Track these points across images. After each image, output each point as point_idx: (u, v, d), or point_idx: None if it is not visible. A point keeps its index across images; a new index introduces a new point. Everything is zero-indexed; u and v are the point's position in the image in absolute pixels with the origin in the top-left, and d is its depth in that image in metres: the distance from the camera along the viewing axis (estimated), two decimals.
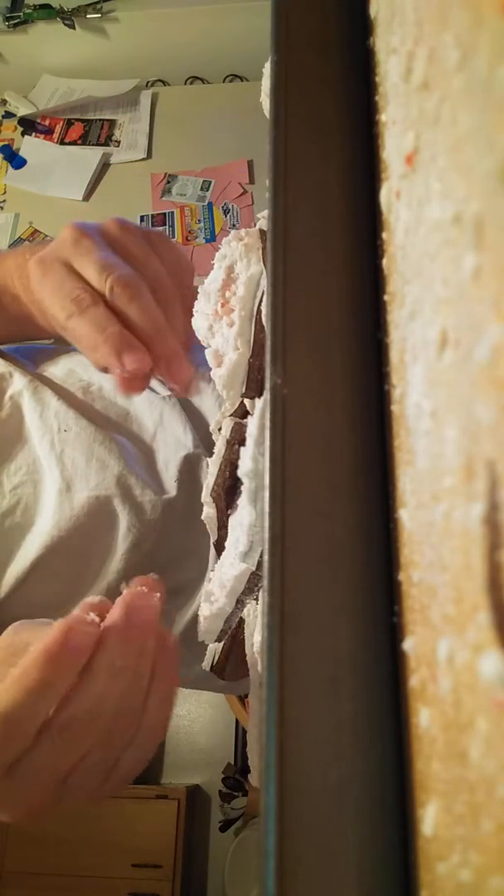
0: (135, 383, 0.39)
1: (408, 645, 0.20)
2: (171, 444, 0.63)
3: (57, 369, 0.64)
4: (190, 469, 0.62)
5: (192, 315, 0.42)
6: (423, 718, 0.18)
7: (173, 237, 1.38)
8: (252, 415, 0.43)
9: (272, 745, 0.21)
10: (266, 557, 0.24)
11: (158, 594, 0.35)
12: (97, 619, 0.33)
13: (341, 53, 0.31)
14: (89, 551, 0.59)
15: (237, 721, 1.88)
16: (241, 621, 0.47)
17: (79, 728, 0.31)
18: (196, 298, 0.42)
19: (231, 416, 0.49)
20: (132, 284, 0.38)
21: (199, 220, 1.40)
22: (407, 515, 0.21)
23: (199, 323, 0.50)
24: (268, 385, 0.27)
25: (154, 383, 0.65)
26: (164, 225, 1.39)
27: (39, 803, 0.31)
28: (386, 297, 0.25)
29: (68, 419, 0.58)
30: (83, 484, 0.57)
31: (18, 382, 0.60)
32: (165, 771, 1.96)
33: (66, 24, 1.49)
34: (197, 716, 2.03)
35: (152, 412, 0.65)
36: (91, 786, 0.33)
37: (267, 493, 0.25)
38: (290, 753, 0.21)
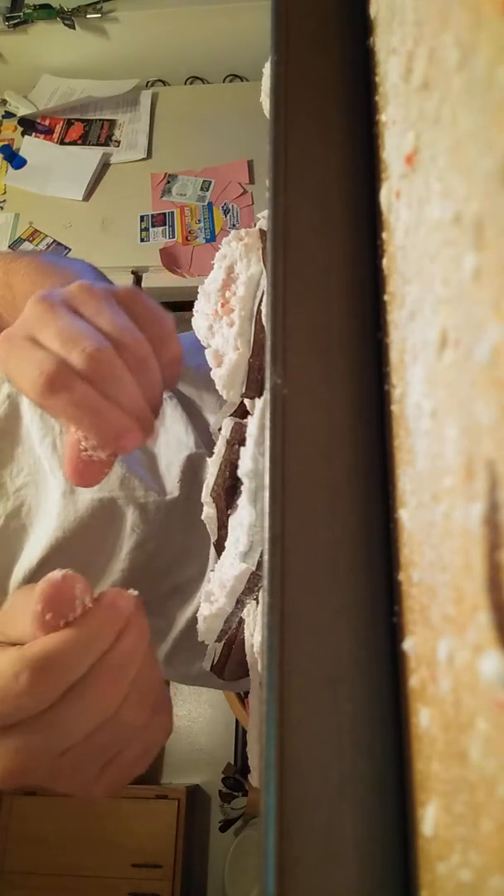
0: (93, 470, 0.36)
1: (408, 645, 0.20)
2: (174, 445, 0.63)
3: None
4: (192, 469, 0.62)
5: (169, 369, 0.40)
6: (423, 718, 0.18)
7: (173, 237, 1.38)
8: (252, 415, 0.43)
9: (272, 745, 0.21)
10: (266, 557, 0.24)
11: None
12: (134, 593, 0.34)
13: (341, 53, 0.31)
14: (93, 552, 0.59)
15: (237, 721, 1.88)
16: (241, 621, 0.47)
17: (103, 686, 0.30)
18: (172, 347, 0.40)
19: (231, 416, 0.49)
20: (101, 353, 0.34)
21: (198, 220, 1.40)
22: (407, 515, 0.21)
23: (199, 323, 0.50)
24: (268, 385, 0.27)
25: None
26: (164, 224, 1.39)
27: (31, 767, 0.30)
28: (386, 297, 0.25)
29: None
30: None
31: None
32: (165, 771, 1.96)
33: (66, 24, 1.49)
34: (197, 716, 2.03)
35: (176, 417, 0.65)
36: (87, 771, 0.32)
37: (267, 493, 0.25)
38: (290, 753, 0.21)
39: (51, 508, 0.57)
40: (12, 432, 0.59)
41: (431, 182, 0.17)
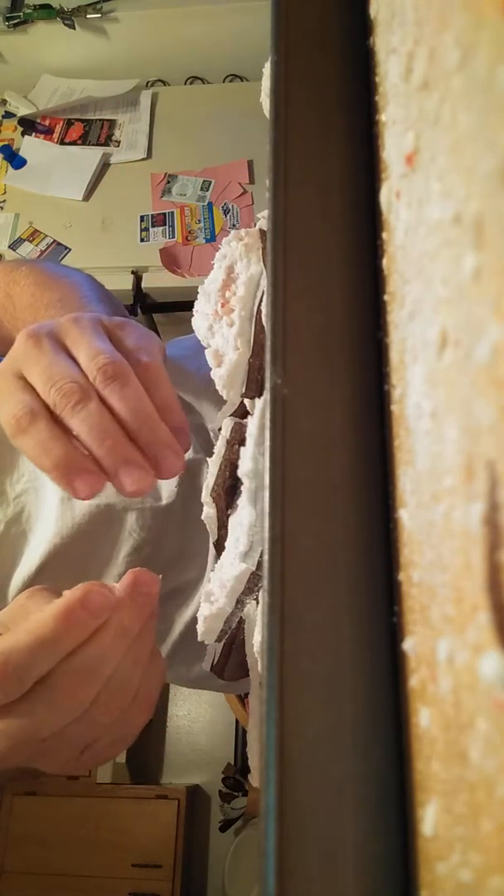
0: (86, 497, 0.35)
1: (408, 645, 0.20)
2: None
3: None
4: (191, 474, 0.62)
5: (161, 385, 0.39)
6: (423, 718, 0.18)
7: (173, 237, 1.38)
8: (252, 415, 0.43)
9: (272, 745, 0.21)
10: (266, 557, 0.24)
11: (160, 577, 0.35)
12: (113, 589, 0.34)
13: (341, 53, 0.31)
14: (91, 557, 0.59)
15: (237, 721, 1.88)
16: (241, 621, 0.47)
17: (72, 686, 0.31)
18: (174, 396, 0.39)
19: (231, 416, 0.49)
20: (74, 392, 0.34)
21: (198, 220, 1.40)
22: (407, 515, 0.21)
23: (199, 323, 0.50)
24: (268, 385, 0.27)
25: None
26: (164, 224, 1.39)
27: (10, 756, 0.31)
28: (386, 297, 0.25)
29: None
30: None
31: None
32: (165, 771, 1.96)
33: (66, 24, 1.49)
34: (197, 716, 2.03)
35: None
36: (66, 755, 0.33)
37: (267, 493, 0.25)
38: (290, 753, 0.21)
39: (49, 514, 0.57)
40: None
41: (431, 182, 0.17)
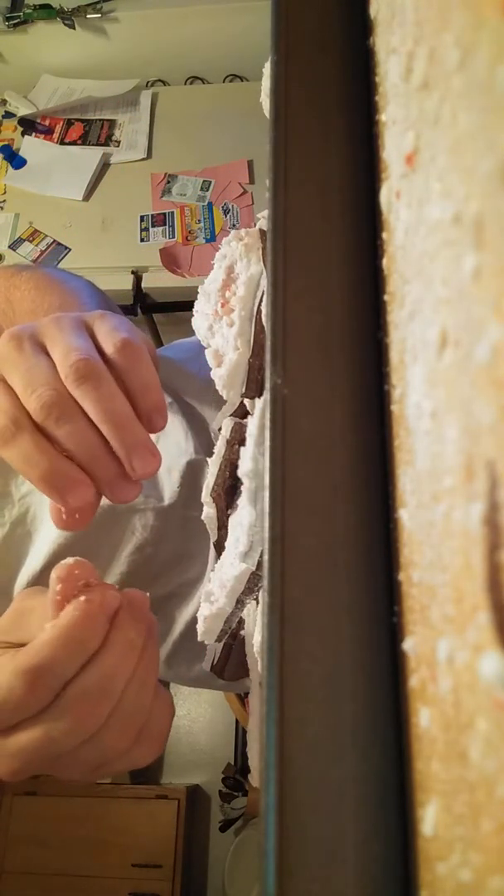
0: (79, 518, 0.35)
1: (408, 645, 0.20)
2: (173, 451, 0.63)
3: None
4: (192, 475, 0.62)
5: (141, 365, 0.38)
6: (423, 718, 0.18)
7: (173, 237, 1.38)
8: (252, 415, 0.43)
9: (272, 745, 0.21)
10: (266, 557, 0.24)
11: (147, 595, 0.35)
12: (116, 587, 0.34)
13: (341, 53, 0.31)
14: (94, 557, 0.59)
15: (237, 721, 1.88)
16: (241, 621, 0.47)
17: (85, 704, 0.31)
18: (154, 373, 0.38)
19: (231, 416, 0.49)
20: (56, 404, 0.33)
21: (199, 220, 1.40)
22: (407, 515, 0.21)
23: (199, 323, 0.50)
24: (268, 385, 0.27)
25: None
26: (164, 224, 1.39)
27: (24, 771, 0.31)
28: (386, 297, 0.25)
29: None
30: None
31: None
32: (165, 771, 1.96)
33: (66, 24, 1.49)
34: (197, 716, 2.03)
35: None
36: (82, 770, 0.33)
37: (267, 493, 0.25)
38: (290, 753, 0.21)
39: None
40: None
41: (431, 182, 0.17)
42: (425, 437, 0.18)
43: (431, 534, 0.17)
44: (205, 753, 1.98)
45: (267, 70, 0.51)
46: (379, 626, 0.22)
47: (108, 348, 0.36)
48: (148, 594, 0.36)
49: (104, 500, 0.58)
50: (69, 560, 0.33)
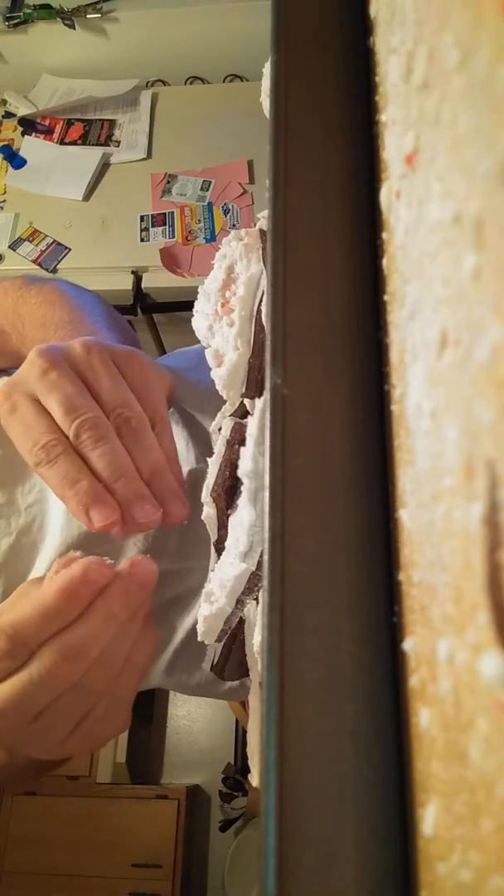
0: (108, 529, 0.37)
1: (408, 645, 0.20)
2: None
3: None
4: (193, 484, 0.63)
5: (165, 437, 0.41)
6: (423, 718, 0.18)
7: (173, 237, 1.37)
8: (252, 415, 0.43)
9: (272, 745, 0.21)
10: (266, 557, 0.24)
11: (156, 567, 0.37)
12: (112, 563, 0.35)
13: (341, 53, 0.31)
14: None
15: (237, 721, 1.88)
16: (241, 621, 0.47)
17: (61, 665, 0.33)
18: (168, 427, 0.41)
19: (231, 416, 0.49)
20: (97, 427, 0.36)
21: (199, 220, 1.40)
22: (407, 515, 0.21)
23: (199, 323, 0.50)
24: (268, 385, 0.27)
25: None
26: (164, 224, 1.39)
27: (5, 734, 0.33)
28: (386, 297, 0.25)
29: None
30: None
31: None
32: (165, 771, 1.96)
33: (66, 24, 1.49)
34: (197, 716, 2.03)
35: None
36: (58, 733, 0.35)
37: (267, 493, 0.25)
38: (290, 753, 0.21)
39: (56, 525, 0.58)
40: None
41: (431, 182, 0.17)
42: (425, 437, 0.18)
43: (431, 534, 0.17)
44: (205, 753, 1.98)
45: (267, 70, 0.51)
46: (379, 626, 0.22)
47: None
48: (156, 567, 0.37)
49: None
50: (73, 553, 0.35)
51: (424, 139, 0.19)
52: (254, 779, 0.41)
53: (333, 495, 0.24)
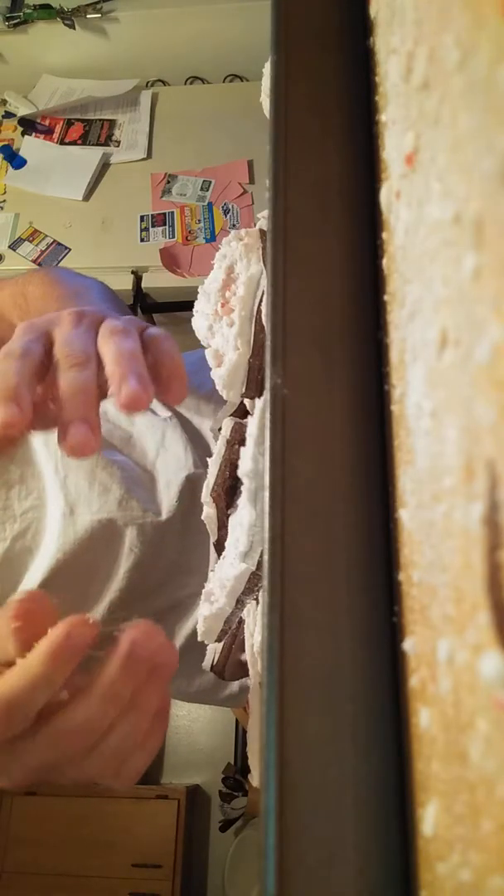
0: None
1: (408, 645, 0.20)
2: (173, 465, 0.64)
3: None
4: (191, 489, 0.63)
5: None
6: (423, 718, 0.18)
7: (173, 237, 1.37)
8: (252, 415, 0.43)
9: (272, 745, 0.21)
10: (266, 557, 0.24)
11: (162, 638, 0.35)
12: (95, 619, 0.34)
13: (341, 53, 0.31)
14: (92, 571, 0.61)
15: (237, 721, 1.88)
16: (241, 621, 0.47)
17: (69, 737, 0.32)
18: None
19: (231, 416, 0.49)
20: (79, 358, 0.35)
21: (199, 220, 1.40)
22: (407, 515, 0.21)
23: (199, 323, 0.50)
24: (268, 385, 0.27)
25: (155, 405, 0.67)
26: (164, 224, 1.39)
27: (22, 779, 0.33)
28: (386, 297, 0.25)
29: None
30: (86, 508, 0.59)
31: None
32: (165, 771, 1.96)
33: (66, 24, 1.49)
34: (197, 716, 2.03)
35: (154, 434, 0.67)
36: (72, 776, 0.34)
37: (267, 494, 0.25)
38: (290, 754, 0.21)
39: (53, 530, 0.58)
40: (22, 457, 0.60)
41: (431, 182, 0.17)
42: (425, 437, 0.18)
43: (431, 534, 0.17)
44: (205, 753, 1.98)
45: (267, 70, 0.51)
46: (379, 626, 0.22)
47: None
48: (158, 627, 0.36)
49: (102, 515, 0.59)
50: (24, 594, 0.34)
51: (424, 139, 0.19)
52: (254, 779, 0.41)
53: (333, 495, 0.24)
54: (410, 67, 0.20)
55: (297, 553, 0.23)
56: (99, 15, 1.48)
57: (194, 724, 2.02)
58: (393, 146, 0.23)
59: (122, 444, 0.66)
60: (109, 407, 0.65)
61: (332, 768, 0.21)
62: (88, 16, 1.48)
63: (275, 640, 0.22)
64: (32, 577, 0.57)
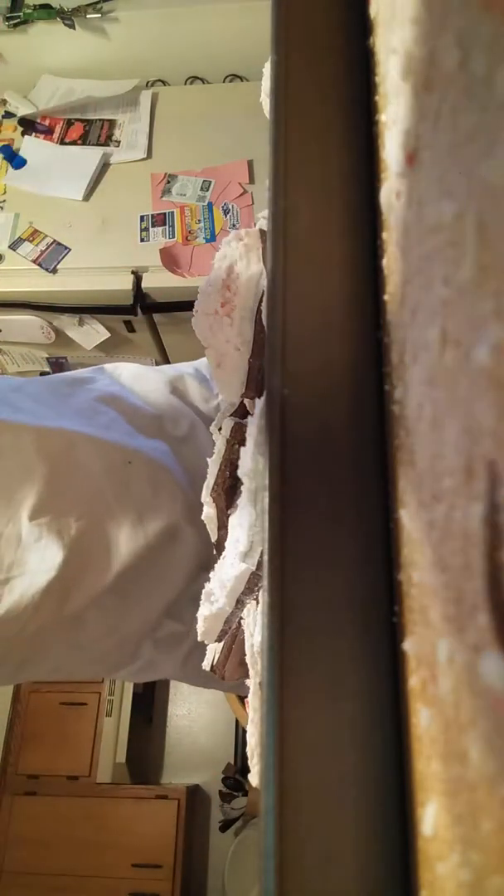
0: None
1: (408, 645, 0.20)
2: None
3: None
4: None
5: None
6: (423, 718, 0.18)
7: (173, 237, 1.37)
8: (252, 415, 0.43)
9: (272, 745, 0.21)
10: (266, 557, 0.24)
11: None
12: None
13: (341, 53, 0.31)
14: (159, 571, 0.64)
15: (237, 721, 1.88)
16: (241, 621, 0.47)
17: None
18: None
19: (231, 416, 0.49)
20: None
21: (199, 220, 1.40)
22: (407, 516, 0.21)
23: (200, 322, 0.50)
24: (267, 385, 0.27)
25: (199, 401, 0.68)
26: (164, 224, 1.39)
27: None
28: (386, 297, 0.25)
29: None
30: (153, 514, 0.64)
31: None
32: (165, 771, 1.96)
33: (66, 24, 1.48)
34: (197, 716, 2.03)
35: (207, 436, 0.69)
36: None
37: (267, 494, 0.25)
38: (290, 753, 0.21)
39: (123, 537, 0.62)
40: None
41: (431, 182, 0.17)
42: (425, 437, 0.18)
43: (431, 534, 0.17)
44: (205, 753, 1.98)
45: (267, 70, 0.51)
46: (379, 626, 0.22)
47: None
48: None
49: (166, 521, 0.63)
50: None
51: (424, 139, 0.19)
52: (254, 779, 0.41)
53: (334, 495, 0.24)
54: (410, 67, 0.20)
55: (296, 553, 0.23)
56: (99, 15, 1.48)
57: (194, 723, 2.02)
58: (393, 146, 0.23)
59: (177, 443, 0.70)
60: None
61: (332, 768, 0.20)
62: (88, 16, 1.48)
63: (275, 640, 0.22)
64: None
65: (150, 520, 0.62)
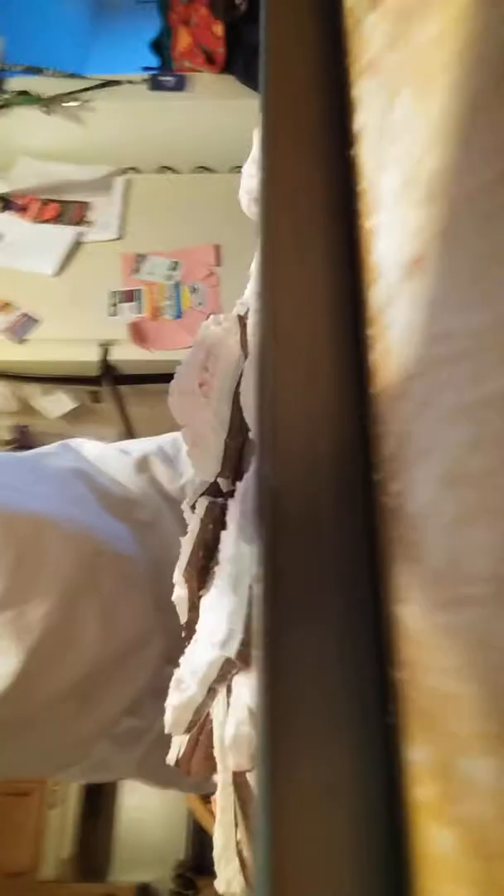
0: None
1: (416, 755, 0.19)
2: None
3: None
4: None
5: None
6: (437, 837, 0.17)
7: (141, 312, 1.40)
8: (231, 497, 0.42)
9: (266, 865, 0.19)
10: (261, 652, 0.23)
11: None
12: None
13: (326, 162, 0.33)
14: (124, 674, 0.62)
15: (189, 813, 1.77)
16: (208, 713, 0.45)
17: None
18: None
19: (204, 494, 0.49)
20: None
21: (167, 298, 1.43)
22: (412, 615, 0.20)
23: (176, 402, 0.50)
24: (256, 474, 0.27)
25: None
26: (133, 301, 1.42)
27: None
28: (377, 390, 0.26)
29: None
30: (122, 612, 0.61)
31: None
32: (113, 867, 1.82)
33: (43, 112, 1.55)
34: (149, 807, 1.91)
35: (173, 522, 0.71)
36: None
37: (259, 586, 0.24)
38: (287, 872, 0.19)
39: None
40: None
41: (442, 288, 0.18)
42: (442, 537, 0.17)
43: (455, 640, 0.16)
44: (155, 848, 1.85)
45: (245, 169, 0.53)
46: (373, 731, 0.22)
47: None
48: None
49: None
50: None
51: (431, 248, 0.20)
52: (220, 885, 0.39)
53: (323, 587, 0.24)
54: (413, 180, 0.21)
55: (288, 648, 0.23)
56: (78, 103, 1.55)
57: (146, 815, 1.90)
58: (388, 249, 0.24)
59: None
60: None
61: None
62: (65, 104, 1.55)
63: (268, 747, 0.21)
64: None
65: (118, 619, 0.59)
